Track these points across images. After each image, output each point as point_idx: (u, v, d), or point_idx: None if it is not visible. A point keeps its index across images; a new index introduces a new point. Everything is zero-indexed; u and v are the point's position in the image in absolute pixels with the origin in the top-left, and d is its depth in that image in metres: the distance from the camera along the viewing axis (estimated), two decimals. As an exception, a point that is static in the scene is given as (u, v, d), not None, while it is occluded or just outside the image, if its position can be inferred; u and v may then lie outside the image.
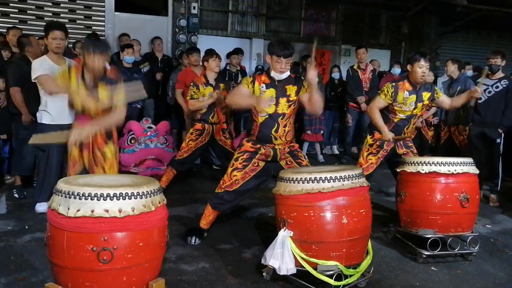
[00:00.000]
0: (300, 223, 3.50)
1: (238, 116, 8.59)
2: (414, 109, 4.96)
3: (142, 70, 8.04)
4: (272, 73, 4.22)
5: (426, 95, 4.99)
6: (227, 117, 6.40)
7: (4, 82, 5.95)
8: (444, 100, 5.20)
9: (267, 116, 4.23)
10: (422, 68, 4.82)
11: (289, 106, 4.27)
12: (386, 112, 5.04)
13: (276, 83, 4.24)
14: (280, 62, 4.12)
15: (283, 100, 4.23)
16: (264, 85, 4.23)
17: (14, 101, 5.67)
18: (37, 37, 6.52)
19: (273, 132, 4.24)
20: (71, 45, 7.45)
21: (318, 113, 4.54)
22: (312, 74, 3.97)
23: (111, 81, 4.15)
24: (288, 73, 4.23)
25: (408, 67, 4.97)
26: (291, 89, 4.26)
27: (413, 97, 4.91)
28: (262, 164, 4.35)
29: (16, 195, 5.80)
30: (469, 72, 8.44)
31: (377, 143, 5.09)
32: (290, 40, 6.29)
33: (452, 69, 7.15)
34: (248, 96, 4.23)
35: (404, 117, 4.98)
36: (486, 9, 11.14)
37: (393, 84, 4.95)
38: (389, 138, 4.93)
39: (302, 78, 4.37)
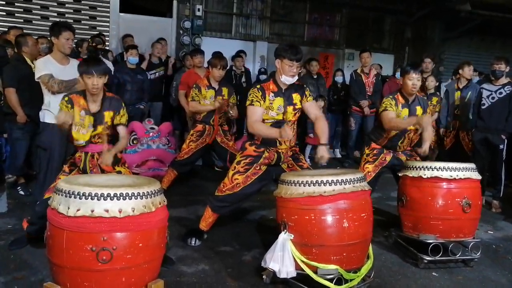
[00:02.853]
0: (300, 226, 3.49)
1: (241, 119, 8.58)
2: None
3: (156, 74, 8.09)
4: (283, 78, 4.12)
5: (419, 110, 4.90)
6: (230, 119, 6.38)
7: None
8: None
9: (273, 123, 4.19)
10: (412, 81, 4.75)
11: (295, 114, 4.26)
12: (382, 126, 4.95)
13: (283, 91, 4.20)
14: (292, 66, 4.06)
15: (290, 108, 4.21)
16: (272, 94, 4.16)
17: (9, 102, 5.67)
18: (36, 37, 6.55)
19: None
20: (75, 45, 7.46)
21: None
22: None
23: (111, 100, 4.14)
24: (296, 77, 4.20)
25: (400, 79, 4.91)
26: (297, 97, 4.25)
27: (406, 110, 4.83)
28: (264, 168, 4.32)
29: (22, 192, 5.86)
30: (475, 79, 8.42)
31: (374, 152, 5.05)
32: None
33: (469, 73, 7.09)
34: (268, 128, 4.11)
35: (398, 131, 4.90)
36: (489, 14, 11.15)
37: (390, 97, 4.88)
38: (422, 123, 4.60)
39: (304, 86, 4.38)
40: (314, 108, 4.35)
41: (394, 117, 4.75)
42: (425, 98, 5.17)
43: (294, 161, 4.40)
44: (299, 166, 4.35)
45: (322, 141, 4.12)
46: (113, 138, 4.19)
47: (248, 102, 4.14)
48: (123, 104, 4.22)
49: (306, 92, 4.31)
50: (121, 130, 4.18)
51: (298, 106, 4.27)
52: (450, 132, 7.20)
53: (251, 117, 4.12)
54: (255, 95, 4.11)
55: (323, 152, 4.03)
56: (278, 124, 4.17)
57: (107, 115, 4.08)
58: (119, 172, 4.12)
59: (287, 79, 4.12)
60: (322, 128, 4.19)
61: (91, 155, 4.09)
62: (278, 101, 4.16)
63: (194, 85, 6.10)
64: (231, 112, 6.04)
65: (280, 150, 4.29)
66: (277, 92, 4.17)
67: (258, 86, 4.17)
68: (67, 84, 4.71)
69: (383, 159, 4.99)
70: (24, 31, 7.14)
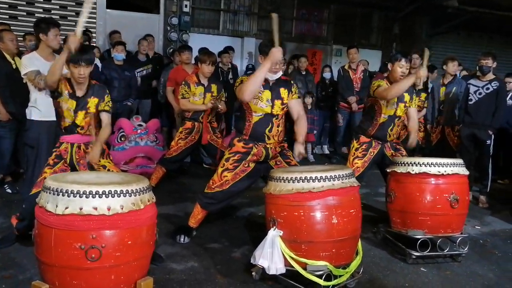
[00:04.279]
0: (290, 223, 3.49)
1: (229, 115, 8.57)
2: (396, 109, 4.92)
3: (144, 71, 8.04)
4: (266, 74, 4.14)
5: (407, 97, 4.95)
6: (218, 115, 6.36)
7: None
8: (411, 113, 5.06)
9: (262, 116, 4.22)
10: (402, 68, 4.79)
11: (282, 108, 4.29)
12: (372, 114, 5.01)
13: (271, 84, 4.23)
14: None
15: (278, 102, 4.24)
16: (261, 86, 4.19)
17: None
18: (23, 34, 6.46)
19: (266, 131, 4.23)
20: (61, 42, 7.40)
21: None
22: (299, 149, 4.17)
23: (96, 87, 4.13)
24: (280, 73, 4.24)
25: (389, 66, 4.93)
26: (284, 92, 4.28)
27: (394, 98, 4.85)
28: (252, 165, 4.32)
29: (9, 191, 5.83)
30: (463, 73, 8.46)
31: (363, 146, 5.05)
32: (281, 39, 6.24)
33: (453, 68, 7.08)
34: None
35: (387, 117, 4.94)
36: (477, 11, 11.21)
37: (379, 79, 4.90)
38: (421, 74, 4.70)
39: (292, 82, 4.42)
40: (298, 106, 4.40)
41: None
42: (414, 90, 5.20)
43: (282, 157, 4.42)
44: (286, 163, 4.37)
45: (299, 140, 4.20)
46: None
47: (237, 83, 4.22)
48: (108, 92, 4.22)
49: (293, 89, 4.36)
50: (105, 117, 4.17)
51: (286, 100, 4.30)
52: (436, 128, 7.21)
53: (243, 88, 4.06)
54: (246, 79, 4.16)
55: (300, 149, 4.16)
56: (266, 118, 4.22)
57: (91, 101, 4.07)
58: (104, 167, 4.10)
59: (269, 75, 4.17)
60: (302, 127, 4.30)
61: (77, 146, 4.06)
62: (266, 93, 4.20)
63: (183, 82, 6.07)
64: (219, 106, 6.00)
65: (268, 146, 4.30)
66: (265, 85, 4.21)
67: (249, 74, 4.26)
68: (54, 81, 4.67)
69: (371, 154, 5.01)
70: (11, 27, 7.05)
